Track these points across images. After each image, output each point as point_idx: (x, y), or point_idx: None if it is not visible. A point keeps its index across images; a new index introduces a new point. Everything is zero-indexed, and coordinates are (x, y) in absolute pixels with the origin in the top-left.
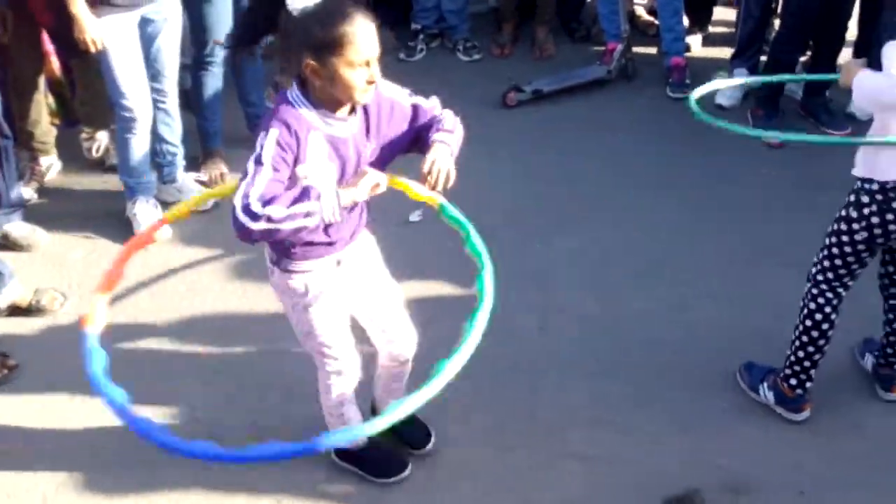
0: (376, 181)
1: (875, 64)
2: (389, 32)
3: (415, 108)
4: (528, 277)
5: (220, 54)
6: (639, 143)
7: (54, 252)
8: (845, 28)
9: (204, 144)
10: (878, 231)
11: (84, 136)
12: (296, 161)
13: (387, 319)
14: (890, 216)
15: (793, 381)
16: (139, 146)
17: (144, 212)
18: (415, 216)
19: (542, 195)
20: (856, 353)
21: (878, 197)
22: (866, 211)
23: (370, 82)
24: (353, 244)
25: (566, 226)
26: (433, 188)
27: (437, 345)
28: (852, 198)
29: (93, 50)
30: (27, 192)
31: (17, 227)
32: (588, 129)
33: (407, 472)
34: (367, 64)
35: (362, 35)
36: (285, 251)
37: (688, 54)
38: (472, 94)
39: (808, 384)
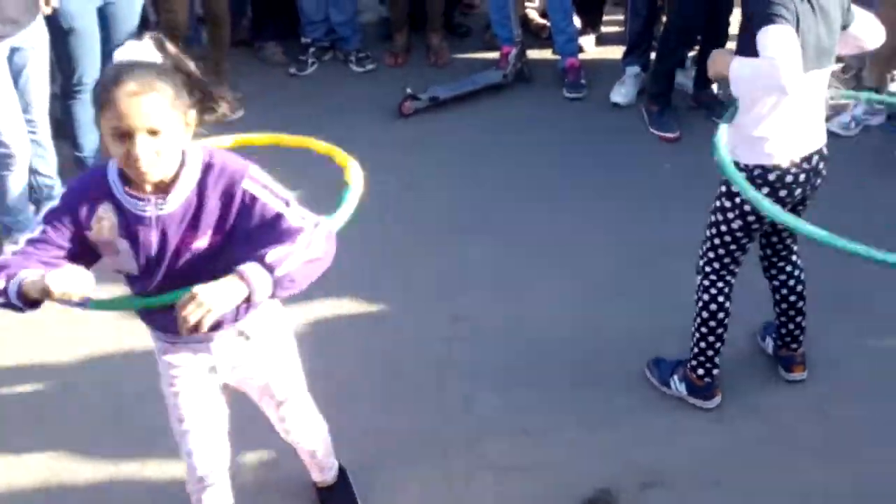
0: (51, 286)
1: (739, 48)
2: (276, 48)
3: (278, 216)
4: (432, 286)
5: (89, 82)
6: (538, 144)
7: None
8: (728, 22)
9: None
10: (751, 218)
11: None
12: (79, 226)
13: (282, 413)
14: None
15: (700, 371)
16: (16, 183)
17: None
18: None
19: (443, 201)
20: (758, 337)
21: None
22: (737, 199)
23: (133, 159)
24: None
25: (470, 230)
26: (180, 325)
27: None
28: (723, 188)
29: None
30: None
31: None
32: (487, 133)
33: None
34: (126, 137)
35: (122, 102)
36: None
37: (582, 55)
38: (367, 104)
39: (715, 371)
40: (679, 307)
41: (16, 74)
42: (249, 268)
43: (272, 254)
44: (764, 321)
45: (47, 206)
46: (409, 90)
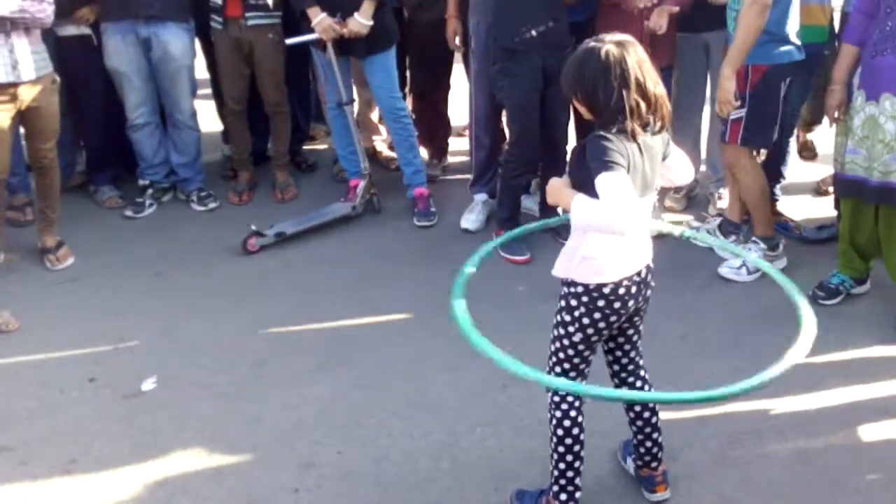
0: None
1: (573, 178)
2: (112, 192)
3: None
4: (281, 433)
5: None
6: (391, 274)
7: None
8: (565, 150)
9: None
10: (590, 331)
11: None
12: None
13: None
14: (597, 315)
15: (563, 497)
16: None
17: None
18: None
19: (289, 340)
20: (619, 457)
21: (584, 299)
22: (577, 313)
23: None
24: None
25: (317, 371)
26: None
27: None
28: (563, 303)
29: None
30: None
31: None
32: (335, 265)
33: None
34: None
35: None
36: None
37: (430, 183)
38: (210, 244)
39: (578, 494)
40: (538, 431)
41: None
42: None
43: None
44: (623, 440)
45: None
46: (253, 227)
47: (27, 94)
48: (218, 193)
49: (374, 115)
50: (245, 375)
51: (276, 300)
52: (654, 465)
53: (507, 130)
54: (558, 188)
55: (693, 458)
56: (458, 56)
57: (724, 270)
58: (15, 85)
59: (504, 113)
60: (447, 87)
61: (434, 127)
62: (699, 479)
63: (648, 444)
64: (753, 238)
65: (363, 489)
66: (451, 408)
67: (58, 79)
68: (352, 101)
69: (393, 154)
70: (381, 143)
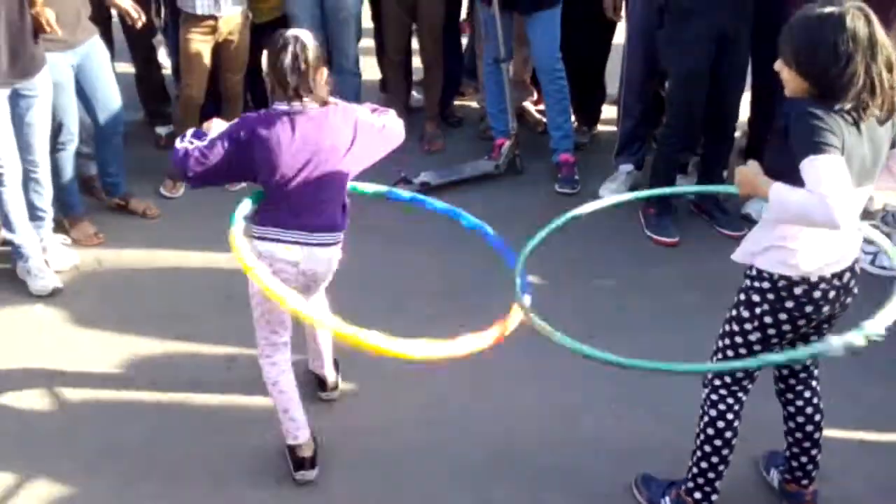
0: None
1: (769, 164)
2: None
3: None
4: (411, 369)
5: (73, 135)
6: (522, 235)
7: None
8: (734, 128)
9: (67, 213)
10: (771, 331)
11: None
12: None
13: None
14: (783, 316)
15: (697, 495)
16: (13, 198)
17: (38, 266)
18: None
19: (424, 287)
20: (760, 466)
21: (770, 296)
22: (758, 311)
23: None
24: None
25: (447, 319)
26: None
27: None
28: (742, 297)
29: None
30: None
31: None
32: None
33: None
34: None
35: None
36: None
37: (577, 151)
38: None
39: (714, 496)
40: (674, 422)
41: (20, 117)
42: None
43: None
44: (769, 449)
45: None
46: (402, 174)
47: (225, 27)
48: None
49: (528, 76)
50: (376, 315)
51: (417, 245)
52: (804, 482)
53: (665, 100)
54: (752, 175)
55: (851, 484)
56: None
57: None
58: (215, 18)
59: (665, 81)
60: (607, 50)
61: (587, 92)
62: None
63: (804, 459)
64: None
65: (487, 436)
66: (588, 378)
67: (250, 15)
68: (510, 58)
69: (541, 117)
70: (530, 105)
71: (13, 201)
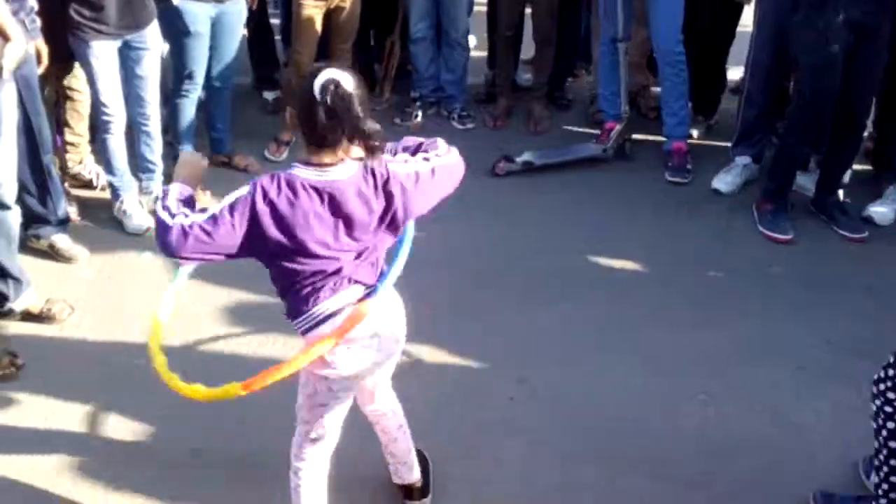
0: None
1: None
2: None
3: None
4: (502, 345)
5: (198, 85)
6: (630, 224)
7: (64, 268)
8: (863, 126)
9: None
10: None
11: (71, 162)
12: None
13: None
14: None
15: None
16: (117, 145)
17: (133, 207)
18: None
19: (521, 264)
20: (860, 469)
21: None
22: None
23: None
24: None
25: (544, 298)
26: None
27: None
28: None
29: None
30: (71, 210)
31: (63, 240)
32: (576, 204)
33: None
34: None
35: None
36: None
37: (689, 141)
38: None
39: None
40: (773, 419)
41: (131, 69)
42: None
43: None
44: (870, 454)
45: None
46: (505, 151)
47: None
48: (476, 116)
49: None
50: (470, 292)
51: (516, 225)
52: None
53: (791, 92)
54: None
55: None
56: None
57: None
58: None
59: (792, 72)
60: (732, 35)
61: (708, 79)
62: None
63: None
64: None
65: (574, 417)
66: (684, 366)
67: None
68: (629, 38)
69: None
70: (643, 89)
71: (117, 148)
